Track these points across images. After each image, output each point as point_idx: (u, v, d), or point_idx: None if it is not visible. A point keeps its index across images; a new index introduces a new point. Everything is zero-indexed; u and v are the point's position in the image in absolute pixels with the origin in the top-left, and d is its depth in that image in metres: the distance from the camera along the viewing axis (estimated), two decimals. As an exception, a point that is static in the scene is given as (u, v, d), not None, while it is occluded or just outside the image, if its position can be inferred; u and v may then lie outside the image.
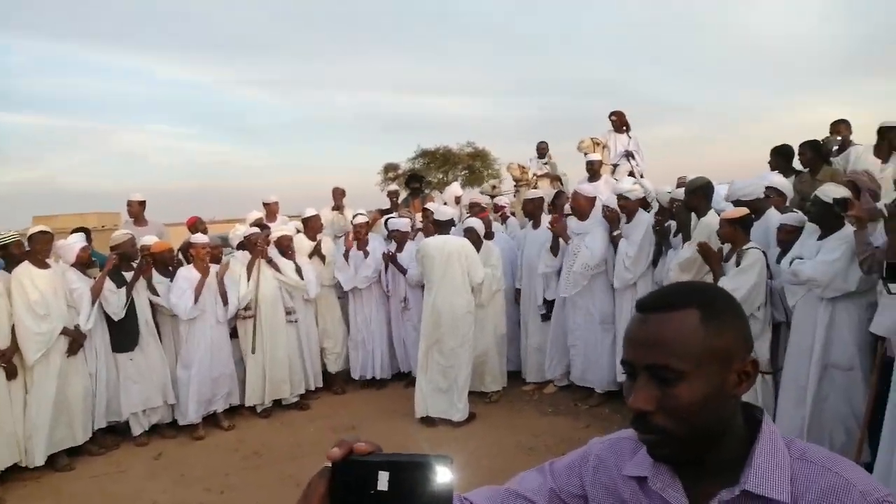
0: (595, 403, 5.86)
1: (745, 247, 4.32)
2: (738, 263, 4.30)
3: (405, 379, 6.83)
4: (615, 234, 5.72)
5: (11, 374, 4.92)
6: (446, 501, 0.72)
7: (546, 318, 6.25)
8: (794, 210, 4.86)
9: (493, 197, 8.27)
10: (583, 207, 5.86)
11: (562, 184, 7.86)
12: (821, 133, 6.34)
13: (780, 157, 6.14)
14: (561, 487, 1.12)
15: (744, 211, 4.44)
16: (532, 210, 6.42)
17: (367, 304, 6.85)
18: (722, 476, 0.96)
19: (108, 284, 5.48)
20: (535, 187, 7.79)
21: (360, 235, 6.73)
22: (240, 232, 6.61)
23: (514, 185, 8.44)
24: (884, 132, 5.44)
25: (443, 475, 0.72)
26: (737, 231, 4.35)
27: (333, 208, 8.02)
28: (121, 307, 5.48)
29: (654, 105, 47.79)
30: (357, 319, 6.89)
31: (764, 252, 4.33)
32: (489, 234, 6.45)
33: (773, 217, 4.71)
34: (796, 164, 6.05)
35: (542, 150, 8.59)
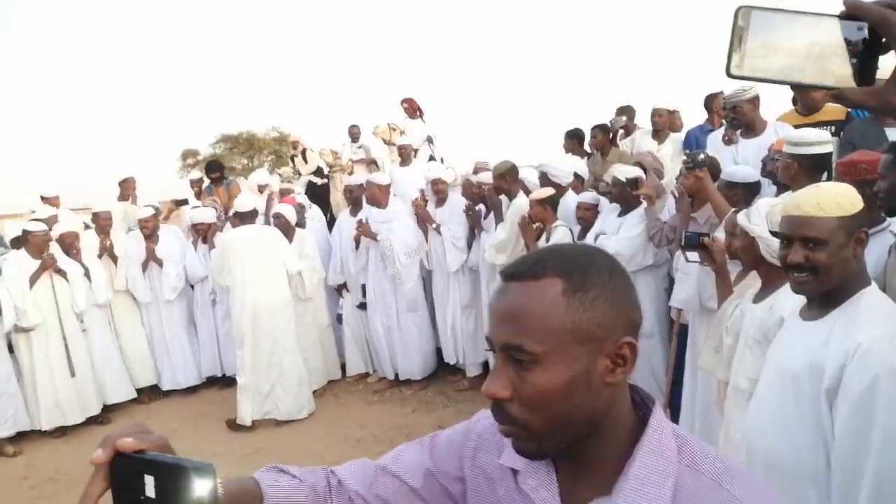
0: (420, 388, 5.99)
1: (553, 224, 4.67)
2: (547, 240, 4.64)
3: (218, 382, 6.48)
4: (433, 226, 5.83)
5: None
6: None
7: (362, 307, 6.24)
8: (589, 189, 5.35)
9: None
10: (378, 196, 5.92)
11: (378, 168, 7.87)
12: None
13: (573, 140, 6.68)
14: (438, 467, 0.99)
15: (551, 191, 4.79)
16: (354, 196, 6.36)
17: (167, 304, 6.36)
18: (601, 478, 0.83)
19: None
20: (350, 173, 7.73)
21: (147, 230, 6.22)
22: (13, 230, 5.76)
23: (328, 170, 8.29)
24: (708, 101, 6.10)
25: (201, 487, 0.67)
26: (546, 210, 4.68)
27: (121, 199, 7.29)
28: None
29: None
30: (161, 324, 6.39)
31: (570, 229, 4.72)
32: (300, 223, 6.26)
33: (569, 197, 5.12)
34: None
35: (355, 135, 8.52)
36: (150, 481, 0.69)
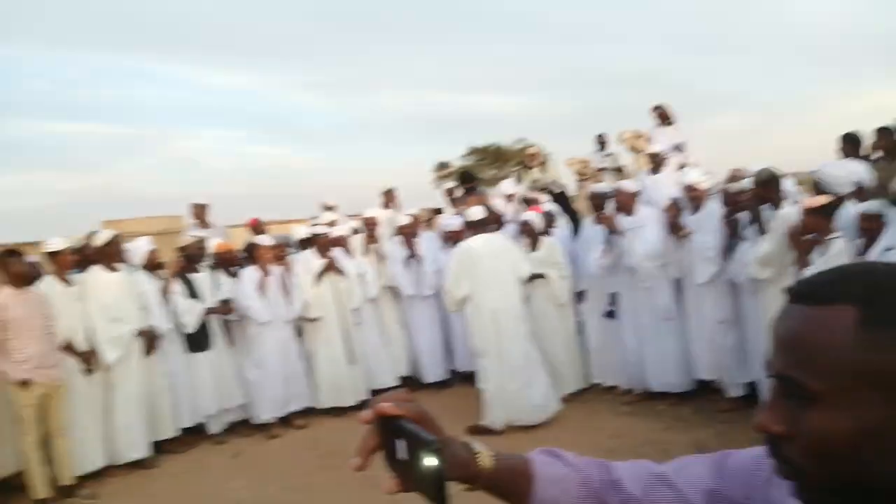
0: (673, 404, 5.72)
1: (830, 237, 4.24)
2: (822, 254, 4.23)
3: (462, 379, 6.83)
4: (681, 234, 5.61)
5: (88, 373, 5.14)
6: (434, 488, 0.75)
7: (610, 315, 6.18)
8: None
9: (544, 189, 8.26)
10: (627, 203, 5.83)
11: (624, 176, 7.80)
12: (882, 120, 6.24)
13: (849, 144, 6.12)
14: (723, 490, 0.90)
15: (828, 198, 4.36)
16: (598, 205, 6.38)
17: (421, 305, 6.90)
18: None
19: (181, 294, 5.71)
20: (598, 181, 7.75)
21: (407, 237, 6.82)
22: (301, 233, 6.79)
23: (578, 181, 8.39)
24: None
25: (431, 460, 0.75)
26: (820, 220, 4.27)
27: (384, 207, 8.12)
28: (194, 319, 5.68)
29: (704, 95, 46.88)
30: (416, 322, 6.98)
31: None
32: (548, 231, 6.41)
33: (849, 206, 4.60)
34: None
35: (603, 143, 8.54)
36: (401, 445, 0.79)
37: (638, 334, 5.86)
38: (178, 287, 5.73)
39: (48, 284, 5.08)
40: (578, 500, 0.95)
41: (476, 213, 5.85)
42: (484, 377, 5.58)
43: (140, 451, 5.32)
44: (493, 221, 6.17)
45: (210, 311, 5.80)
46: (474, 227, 5.78)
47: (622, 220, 5.85)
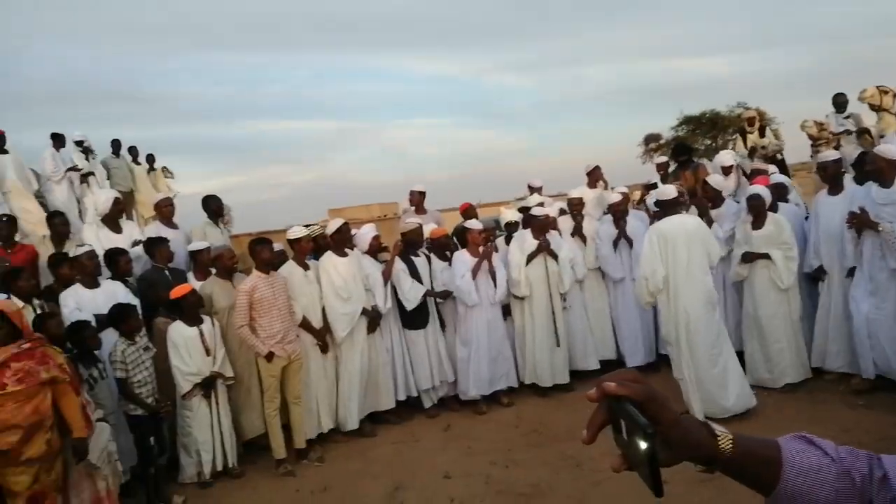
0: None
1: None
2: None
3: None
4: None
5: (324, 350, 5.80)
6: (647, 472, 0.78)
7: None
8: None
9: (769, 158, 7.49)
10: (884, 171, 5.00)
11: (870, 139, 6.79)
12: None
13: None
14: None
15: None
16: (833, 173, 5.65)
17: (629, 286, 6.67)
18: None
19: (404, 274, 6.14)
20: (837, 147, 6.85)
21: (617, 216, 6.62)
22: (507, 216, 6.95)
23: (812, 145, 7.51)
24: None
25: (643, 445, 0.78)
26: None
27: (590, 186, 7.95)
28: (415, 298, 6.09)
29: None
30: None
31: None
32: (773, 206, 5.82)
33: None
34: None
35: (842, 104, 7.51)
36: (624, 425, 0.83)
37: (873, 316, 5.13)
38: (401, 269, 6.17)
39: (289, 268, 5.79)
40: (835, 493, 0.86)
41: (667, 191, 5.52)
42: (675, 367, 5.34)
43: (360, 418, 5.90)
44: (683, 201, 5.79)
45: (429, 293, 6.18)
46: (664, 207, 5.49)
47: (874, 193, 5.08)
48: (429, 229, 6.66)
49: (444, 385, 6.38)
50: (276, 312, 5.31)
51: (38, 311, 4.90)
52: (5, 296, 4.72)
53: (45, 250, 6.74)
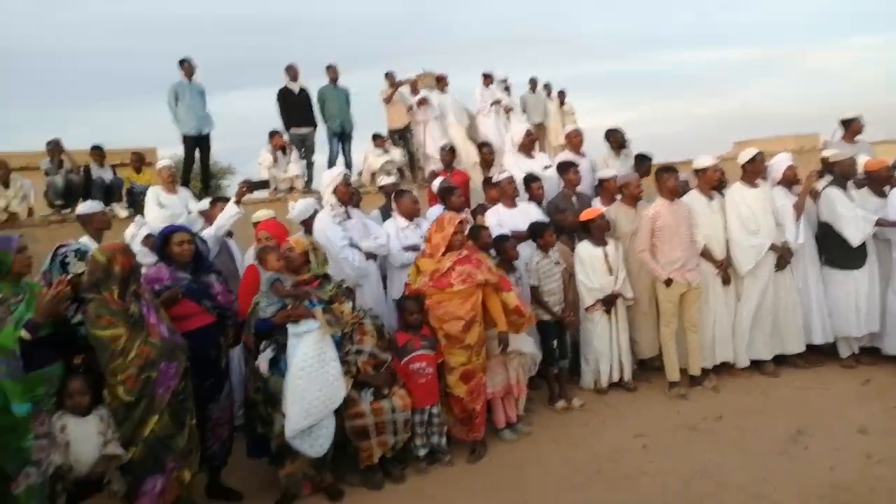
0: None
1: None
2: None
3: None
4: None
5: (726, 281, 5.70)
6: None
7: None
8: None
9: None
10: None
11: None
12: None
13: None
14: None
15: None
16: None
17: None
18: None
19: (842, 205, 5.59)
20: None
21: None
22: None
23: None
24: None
25: None
26: None
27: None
28: (860, 235, 5.50)
29: None
30: None
31: None
32: None
33: None
34: None
35: None
36: None
37: None
38: (837, 198, 5.60)
39: (693, 197, 5.77)
40: None
41: None
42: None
43: (761, 356, 5.73)
44: None
45: (879, 222, 5.52)
46: None
47: None
48: (862, 161, 5.90)
49: (866, 336, 5.70)
50: (678, 240, 5.39)
51: (471, 225, 5.83)
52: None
53: (476, 175, 8.00)
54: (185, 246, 4.03)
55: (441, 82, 10.93)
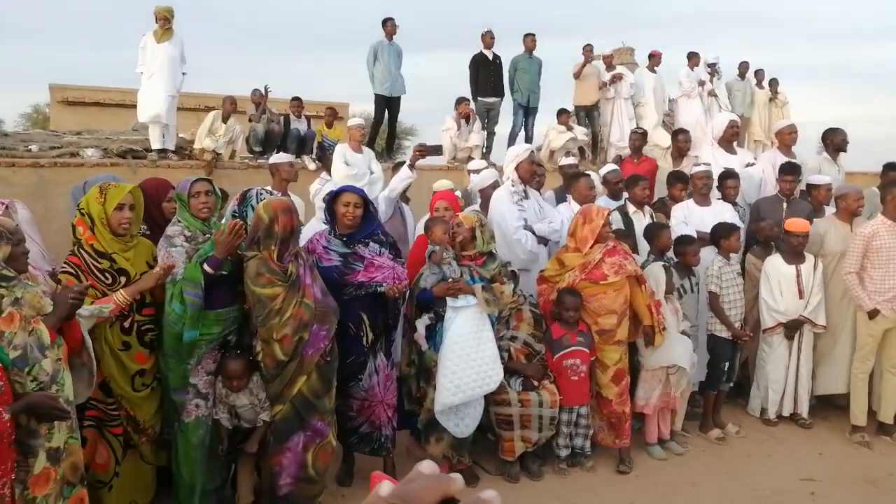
0: None
1: None
2: None
3: None
4: None
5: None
6: None
7: None
8: None
9: None
10: None
11: None
12: None
13: None
14: None
15: None
16: None
17: None
18: None
19: None
20: None
21: None
22: None
23: None
24: None
25: None
26: None
27: None
28: None
29: None
30: None
31: None
32: None
33: None
34: None
35: None
36: None
37: None
38: None
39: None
40: None
41: None
42: None
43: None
44: None
45: None
46: None
47: None
48: None
49: None
50: (894, 266, 4.76)
51: (651, 220, 5.53)
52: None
53: (665, 164, 7.57)
54: (350, 209, 3.87)
55: (654, 60, 10.39)
